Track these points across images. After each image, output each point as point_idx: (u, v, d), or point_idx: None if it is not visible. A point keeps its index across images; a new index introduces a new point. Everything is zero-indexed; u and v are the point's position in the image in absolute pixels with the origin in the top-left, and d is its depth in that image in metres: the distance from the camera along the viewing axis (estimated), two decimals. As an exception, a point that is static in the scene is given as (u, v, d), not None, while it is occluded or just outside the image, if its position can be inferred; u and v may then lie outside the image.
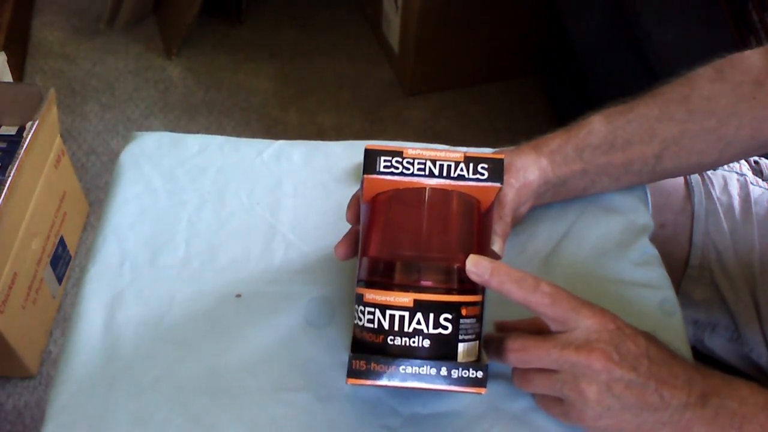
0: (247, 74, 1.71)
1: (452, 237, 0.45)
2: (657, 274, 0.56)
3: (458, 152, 0.44)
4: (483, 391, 0.42)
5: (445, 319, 0.42)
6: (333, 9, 1.86)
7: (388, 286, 0.42)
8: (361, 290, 0.44)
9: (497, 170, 0.44)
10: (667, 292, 0.55)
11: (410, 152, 0.43)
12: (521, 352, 0.45)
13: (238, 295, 0.52)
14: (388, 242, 0.44)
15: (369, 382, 0.41)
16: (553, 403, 0.47)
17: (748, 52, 0.57)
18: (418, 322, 0.41)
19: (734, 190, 0.69)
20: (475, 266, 0.43)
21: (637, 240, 0.58)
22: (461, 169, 0.43)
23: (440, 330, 0.42)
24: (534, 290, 0.44)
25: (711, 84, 0.56)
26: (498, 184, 0.44)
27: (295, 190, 0.60)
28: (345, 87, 1.69)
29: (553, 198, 0.58)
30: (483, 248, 0.46)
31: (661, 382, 0.44)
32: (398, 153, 0.43)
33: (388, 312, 0.42)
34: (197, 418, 0.46)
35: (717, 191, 0.68)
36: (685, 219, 0.68)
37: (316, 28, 1.82)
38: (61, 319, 1.25)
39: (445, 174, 0.43)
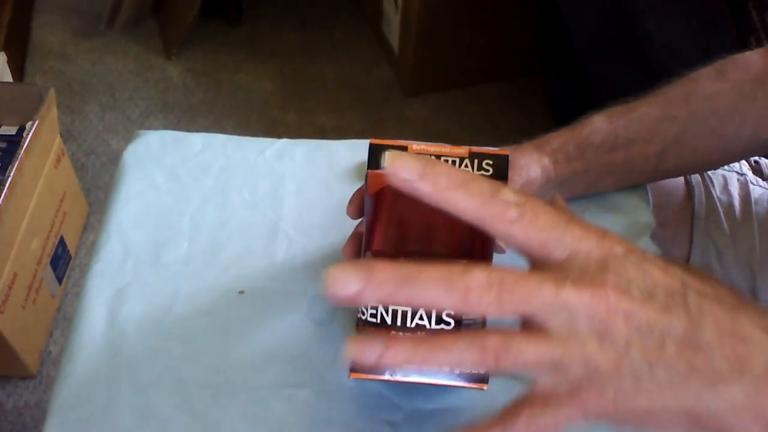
0: (247, 74, 1.71)
1: (457, 232, 0.45)
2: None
3: (463, 148, 0.44)
4: (485, 387, 0.42)
5: (448, 315, 0.42)
6: (333, 9, 1.86)
7: None
8: None
9: (502, 167, 0.44)
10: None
11: (415, 147, 0.43)
12: (498, 290, 0.28)
13: (241, 292, 0.52)
14: (392, 237, 0.44)
15: (371, 376, 0.42)
16: (550, 390, 0.30)
17: (749, 53, 0.58)
18: (421, 318, 0.41)
19: (734, 189, 0.69)
20: (396, 164, 0.29)
21: (639, 239, 0.59)
22: (465, 165, 0.43)
23: (443, 326, 0.42)
24: (492, 198, 0.29)
25: (712, 83, 0.57)
26: (503, 181, 0.43)
27: (298, 188, 0.60)
28: (345, 87, 1.69)
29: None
30: (488, 243, 0.46)
31: (720, 329, 0.29)
32: (403, 148, 0.43)
33: (390, 307, 0.42)
34: (200, 414, 0.46)
35: (717, 191, 0.68)
36: (685, 218, 0.68)
37: (316, 28, 1.83)
38: (61, 319, 1.25)
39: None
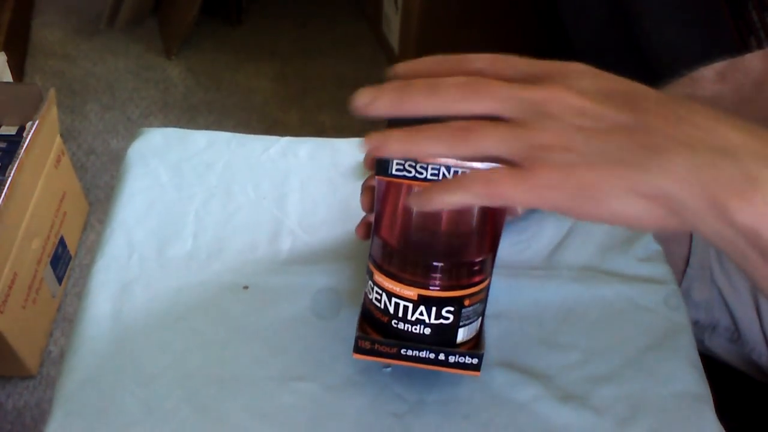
0: (247, 74, 1.71)
1: (464, 235, 0.45)
2: (661, 270, 0.57)
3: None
4: (477, 374, 0.45)
5: (447, 311, 0.43)
6: (333, 9, 1.87)
7: (395, 276, 0.43)
8: (372, 268, 0.45)
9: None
10: (672, 287, 0.56)
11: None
12: (472, 88, 0.34)
13: (246, 287, 0.53)
14: (400, 230, 0.44)
15: (373, 358, 0.45)
16: (503, 175, 0.33)
17: (748, 56, 0.58)
18: (421, 313, 0.43)
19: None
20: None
21: (642, 236, 0.59)
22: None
23: (441, 320, 0.44)
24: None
25: (713, 86, 0.57)
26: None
27: (302, 185, 0.60)
28: (345, 87, 1.69)
29: None
30: (496, 247, 0.46)
31: (666, 116, 0.32)
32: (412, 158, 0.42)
33: (393, 299, 0.43)
34: (205, 407, 0.46)
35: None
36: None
37: (316, 28, 1.83)
38: (61, 319, 1.25)
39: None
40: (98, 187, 1.45)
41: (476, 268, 0.44)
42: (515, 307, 0.53)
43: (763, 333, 0.65)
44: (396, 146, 0.35)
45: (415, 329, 0.44)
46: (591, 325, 0.53)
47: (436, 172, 0.41)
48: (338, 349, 0.49)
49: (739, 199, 0.30)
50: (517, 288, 0.54)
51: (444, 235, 0.45)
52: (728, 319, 0.67)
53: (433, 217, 0.44)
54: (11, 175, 1.03)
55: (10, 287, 1.07)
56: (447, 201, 0.35)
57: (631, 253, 0.58)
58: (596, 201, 0.32)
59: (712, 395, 0.49)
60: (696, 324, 0.69)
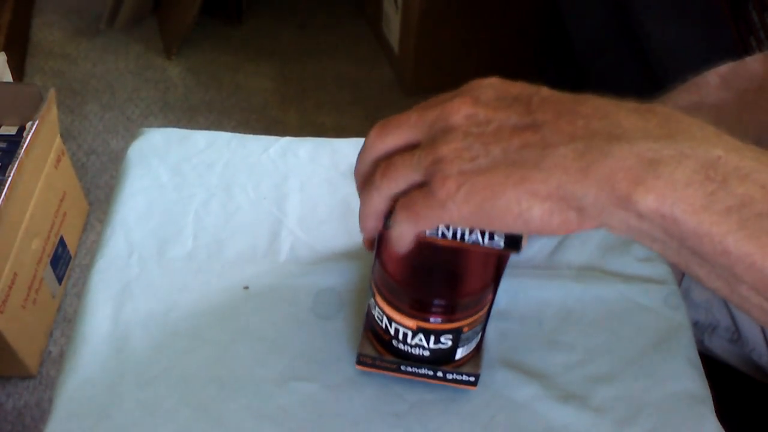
0: (247, 74, 1.71)
1: (465, 274, 0.45)
2: (661, 270, 0.57)
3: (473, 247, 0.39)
4: (474, 388, 0.47)
5: (446, 338, 0.44)
6: (333, 9, 1.87)
7: (395, 306, 0.44)
8: (374, 288, 0.45)
9: (515, 242, 0.38)
10: (672, 287, 0.56)
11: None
12: (382, 130, 0.35)
13: (246, 288, 0.53)
14: (400, 265, 0.43)
15: (374, 370, 0.47)
16: (416, 197, 0.33)
17: (748, 59, 0.58)
18: (420, 339, 0.44)
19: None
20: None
21: (640, 237, 0.59)
22: (476, 236, 0.38)
23: (440, 345, 0.45)
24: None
25: (718, 92, 0.57)
26: (515, 252, 0.38)
27: (302, 186, 0.60)
28: (345, 87, 1.69)
29: None
30: (499, 277, 0.45)
31: (558, 112, 0.31)
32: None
33: (393, 324, 0.44)
34: (205, 408, 0.46)
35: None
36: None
37: (316, 28, 1.83)
38: (61, 319, 1.25)
39: (459, 238, 0.38)
40: (98, 187, 1.45)
41: (476, 301, 0.44)
42: (515, 306, 0.53)
43: (763, 333, 0.66)
44: (364, 224, 0.37)
45: (415, 351, 0.45)
46: (591, 324, 0.53)
47: (434, 230, 0.38)
48: (338, 350, 0.49)
49: (640, 187, 0.28)
50: (517, 287, 0.54)
51: (444, 273, 0.45)
52: (728, 319, 0.67)
53: (433, 254, 0.42)
54: (11, 175, 1.03)
55: (10, 287, 1.07)
56: (396, 237, 0.35)
57: (631, 252, 0.58)
58: (501, 209, 0.31)
59: (712, 395, 0.49)
60: (696, 324, 0.69)
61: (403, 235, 0.35)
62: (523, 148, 0.31)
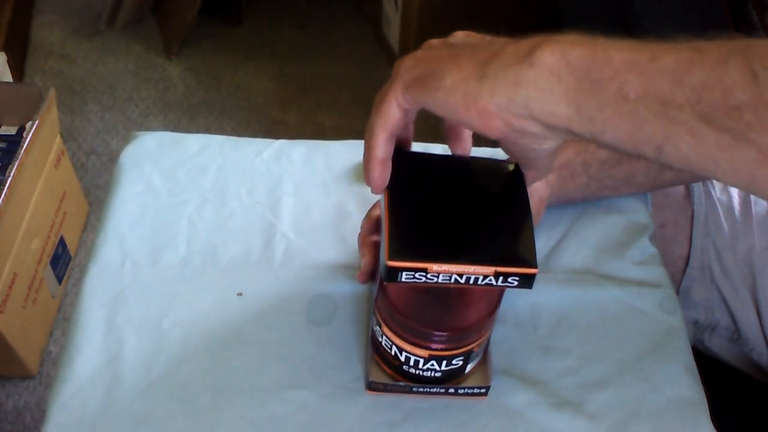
0: (247, 74, 1.71)
1: (472, 304, 0.45)
2: (657, 273, 0.57)
3: (489, 268, 0.39)
4: (485, 398, 0.48)
5: (457, 360, 0.45)
6: (333, 9, 1.86)
7: (403, 337, 0.44)
8: (379, 319, 0.45)
9: (528, 281, 0.39)
10: (667, 291, 0.55)
11: (435, 268, 0.38)
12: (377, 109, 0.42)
13: (240, 294, 0.52)
14: (405, 297, 0.43)
15: (387, 393, 0.48)
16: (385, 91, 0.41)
17: None
18: (432, 365, 0.45)
19: (734, 190, 0.69)
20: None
21: (637, 239, 0.59)
22: (490, 280, 0.39)
23: (451, 367, 0.45)
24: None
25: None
26: (528, 288, 0.40)
27: (296, 189, 0.60)
28: (345, 87, 1.69)
29: (551, 204, 0.58)
30: (500, 296, 0.45)
31: (474, 47, 0.39)
32: (422, 269, 0.38)
33: (404, 352, 0.45)
34: (198, 416, 0.46)
35: (717, 191, 0.68)
36: (684, 219, 0.68)
37: (316, 28, 1.82)
38: (61, 319, 1.25)
39: (472, 283, 0.39)
40: (98, 187, 1.46)
41: (486, 325, 0.44)
42: (511, 311, 0.53)
43: (763, 333, 0.65)
44: (369, 172, 0.42)
45: (426, 374, 0.46)
46: (586, 329, 0.52)
47: (448, 278, 0.39)
48: (332, 357, 0.49)
49: (537, 50, 0.36)
50: (512, 292, 0.53)
51: (452, 305, 0.45)
52: (728, 319, 0.67)
53: (439, 290, 0.41)
54: (11, 175, 1.03)
55: (10, 287, 1.07)
56: (368, 147, 0.41)
57: (626, 256, 0.57)
58: (431, 76, 0.38)
59: (712, 395, 0.49)
60: (696, 324, 0.69)
61: (380, 143, 0.41)
62: (457, 56, 0.38)
